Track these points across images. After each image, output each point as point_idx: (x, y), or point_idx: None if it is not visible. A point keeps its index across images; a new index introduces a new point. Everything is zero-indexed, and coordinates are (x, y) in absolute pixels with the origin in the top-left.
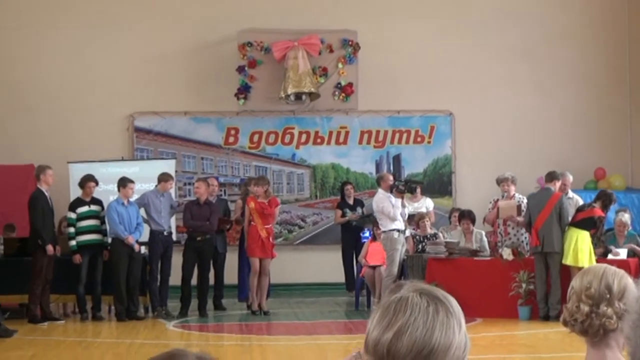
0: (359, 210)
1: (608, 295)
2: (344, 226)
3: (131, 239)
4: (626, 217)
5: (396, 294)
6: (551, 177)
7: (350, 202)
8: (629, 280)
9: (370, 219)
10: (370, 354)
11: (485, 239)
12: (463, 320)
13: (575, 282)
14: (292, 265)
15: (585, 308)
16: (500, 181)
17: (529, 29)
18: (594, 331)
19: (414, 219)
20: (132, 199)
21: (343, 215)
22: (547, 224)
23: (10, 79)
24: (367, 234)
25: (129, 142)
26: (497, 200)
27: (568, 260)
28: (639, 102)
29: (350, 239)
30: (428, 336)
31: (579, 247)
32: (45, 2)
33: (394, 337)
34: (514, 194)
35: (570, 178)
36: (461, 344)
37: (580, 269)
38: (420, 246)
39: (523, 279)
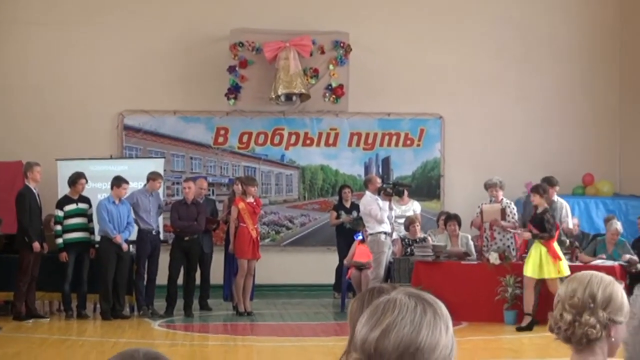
0: (354, 213)
1: (592, 304)
2: (338, 229)
3: (119, 238)
4: (619, 225)
5: (384, 295)
6: (534, 190)
7: (347, 205)
8: (615, 289)
9: (362, 222)
10: (358, 352)
11: (471, 242)
12: (450, 324)
13: (561, 290)
14: (279, 266)
15: (568, 317)
16: (488, 186)
17: (520, 33)
18: (577, 339)
19: (404, 223)
20: (124, 198)
21: (338, 217)
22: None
23: None
24: (360, 236)
25: (118, 140)
26: (483, 204)
27: (528, 272)
28: (628, 108)
29: (344, 241)
30: (415, 335)
31: (543, 260)
32: None
33: (381, 335)
34: (502, 199)
35: None
36: (448, 345)
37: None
38: (409, 249)
39: (509, 284)
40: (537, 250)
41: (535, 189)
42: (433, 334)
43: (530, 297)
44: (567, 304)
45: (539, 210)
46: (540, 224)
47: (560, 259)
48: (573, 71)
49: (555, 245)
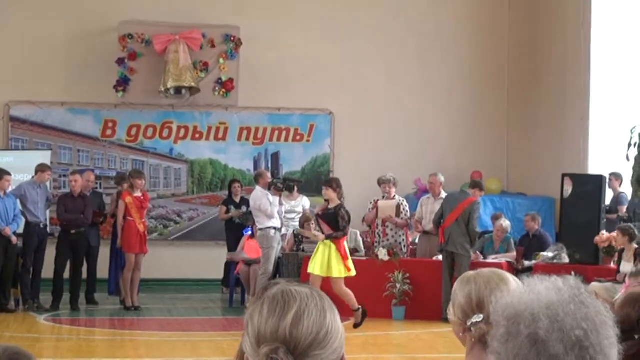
0: (243, 208)
1: (474, 306)
2: (228, 223)
3: (8, 230)
4: (507, 223)
5: (274, 288)
6: (475, 185)
7: (237, 200)
8: (497, 290)
9: (252, 217)
10: (268, 343)
11: (360, 238)
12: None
13: (453, 291)
14: (167, 260)
15: (455, 319)
16: (381, 182)
17: (411, 29)
18: (469, 339)
19: (300, 220)
20: (8, 191)
21: (227, 212)
22: (455, 225)
23: None
24: (249, 231)
25: (4, 131)
26: (377, 200)
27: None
28: (516, 108)
29: (233, 236)
30: (322, 319)
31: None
32: None
33: (294, 321)
34: (394, 196)
35: (442, 179)
36: (343, 330)
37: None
38: (301, 247)
39: (398, 280)
40: (325, 248)
41: (328, 183)
42: (335, 318)
43: (347, 293)
44: (456, 305)
45: (331, 205)
46: (334, 221)
47: (348, 258)
48: (463, 70)
49: (345, 243)
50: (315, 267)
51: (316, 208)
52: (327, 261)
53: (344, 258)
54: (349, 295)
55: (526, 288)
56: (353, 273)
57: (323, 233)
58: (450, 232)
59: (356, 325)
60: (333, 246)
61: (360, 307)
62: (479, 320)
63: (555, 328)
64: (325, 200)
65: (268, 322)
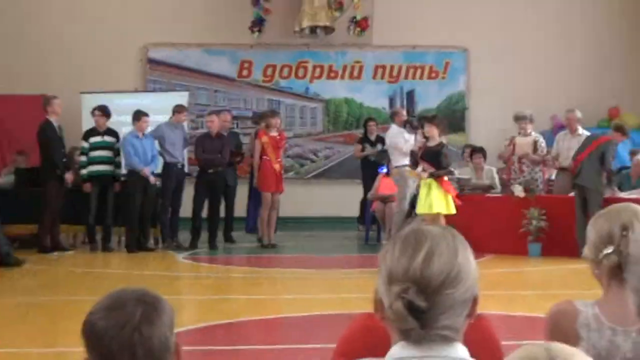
0: (379, 146)
1: (605, 240)
2: (363, 162)
3: (147, 171)
4: None
5: (407, 228)
6: (617, 128)
7: (372, 138)
8: (628, 223)
9: (387, 155)
10: (400, 282)
11: (496, 175)
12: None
13: (631, 222)
14: (303, 198)
15: (590, 256)
16: (518, 119)
17: None
18: (603, 274)
19: None
20: (147, 132)
21: (363, 150)
22: (587, 160)
23: (19, 13)
24: (385, 169)
25: (142, 73)
26: (514, 137)
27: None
28: None
29: (368, 174)
30: (454, 257)
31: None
32: None
33: (425, 261)
34: (531, 132)
35: (579, 114)
36: (476, 269)
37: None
38: None
39: (534, 216)
40: (425, 186)
41: (431, 120)
42: (466, 256)
43: None
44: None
45: (432, 143)
46: (436, 159)
47: (451, 195)
48: (602, 3)
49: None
50: (420, 206)
51: (415, 146)
52: (430, 198)
53: (448, 194)
54: None
55: None
56: (453, 211)
57: (425, 171)
58: (582, 166)
59: None
60: (434, 183)
61: None
62: (609, 251)
63: None
64: (425, 138)
65: (399, 262)
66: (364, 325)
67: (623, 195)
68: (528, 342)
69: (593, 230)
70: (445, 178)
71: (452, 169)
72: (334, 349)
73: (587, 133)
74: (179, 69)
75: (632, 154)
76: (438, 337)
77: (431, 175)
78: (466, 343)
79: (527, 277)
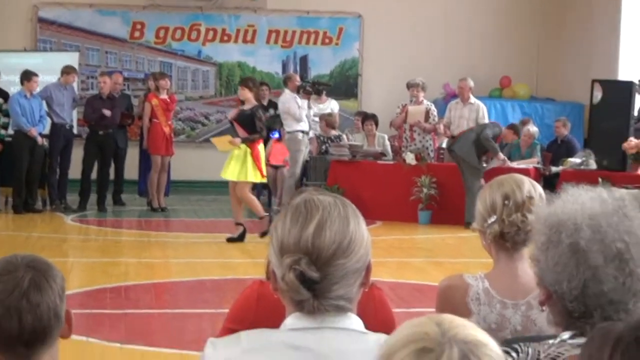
0: (271, 111)
1: (489, 209)
2: None
3: (34, 131)
4: (535, 129)
5: (298, 198)
6: (511, 126)
7: (265, 103)
8: (510, 192)
9: (279, 120)
10: (292, 253)
11: (387, 142)
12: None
13: (512, 192)
14: (194, 162)
15: (533, 217)
16: (410, 86)
17: None
18: (521, 242)
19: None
20: (35, 92)
21: None
22: (468, 131)
23: None
24: (276, 134)
25: (32, 33)
26: (406, 105)
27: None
28: (547, 14)
29: None
30: (345, 226)
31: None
32: None
33: (316, 231)
34: (422, 100)
35: (471, 83)
36: (369, 236)
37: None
38: (324, 147)
39: (425, 184)
40: (240, 153)
41: (244, 82)
42: (359, 225)
43: (252, 199)
44: (528, 204)
45: (247, 106)
46: (250, 123)
47: (261, 163)
48: None
49: (260, 147)
50: (228, 172)
51: (230, 112)
52: (242, 166)
53: (258, 162)
54: (254, 202)
55: (570, 197)
56: (264, 179)
57: (238, 137)
58: (461, 135)
59: (231, 240)
60: (248, 150)
61: (268, 214)
62: (492, 221)
63: (597, 239)
64: (241, 102)
65: (291, 233)
66: (257, 292)
67: (513, 165)
68: (418, 312)
69: (479, 200)
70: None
71: (264, 134)
72: (226, 316)
73: (479, 102)
74: (70, 29)
75: (522, 123)
76: (332, 308)
77: (244, 141)
78: (359, 312)
79: (417, 244)
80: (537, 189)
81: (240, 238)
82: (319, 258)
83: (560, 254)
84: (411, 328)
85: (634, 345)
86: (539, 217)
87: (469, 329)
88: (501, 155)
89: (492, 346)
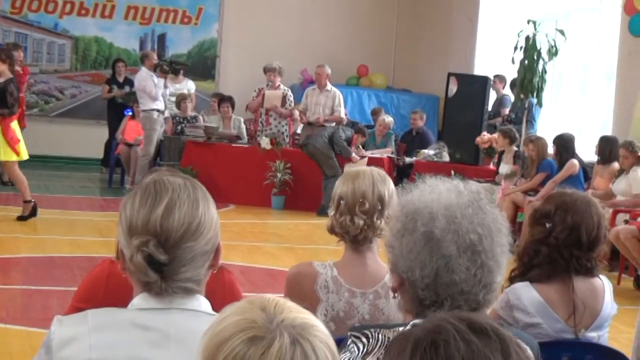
0: (126, 88)
1: (380, 207)
2: (110, 103)
3: None
4: (390, 119)
5: (148, 178)
6: (358, 130)
7: (120, 79)
8: (392, 186)
9: (135, 97)
10: (139, 234)
11: (243, 125)
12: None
13: (346, 193)
14: (47, 137)
15: (360, 222)
16: (267, 70)
17: None
18: (363, 240)
19: (176, 100)
20: None
21: (110, 91)
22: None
23: None
24: (130, 112)
25: None
26: (262, 89)
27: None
28: (406, 4)
29: (114, 115)
30: (195, 209)
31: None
32: None
33: (165, 213)
34: (279, 85)
35: (328, 70)
36: (218, 219)
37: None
38: (179, 127)
39: (279, 169)
40: None
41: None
42: (208, 208)
43: (21, 180)
44: (358, 210)
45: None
46: (1, 98)
47: (18, 141)
48: None
49: (15, 125)
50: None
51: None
52: None
53: (12, 141)
54: (23, 183)
55: (428, 187)
56: (24, 157)
57: None
58: (314, 134)
59: (21, 218)
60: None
61: (32, 200)
62: (331, 214)
63: (451, 229)
64: None
65: (139, 213)
66: (107, 271)
67: (367, 154)
68: (249, 296)
69: (334, 191)
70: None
71: (15, 110)
72: (75, 294)
73: (335, 89)
74: None
75: (374, 113)
76: (180, 289)
77: None
78: (208, 295)
79: (269, 229)
80: (381, 188)
81: (33, 214)
82: (167, 240)
83: (414, 241)
84: (236, 316)
85: (431, 348)
86: (396, 205)
87: (295, 312)
88: (355, 157)
89: (320, 326)
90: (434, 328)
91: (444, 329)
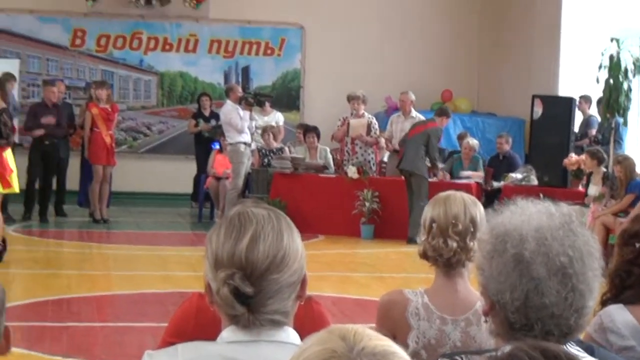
0: (212, 122)
1: (472, 229)
2: (196, 137)
3: None
4: (474, 141)
5: (233, 210)
6: (441, 112)
7: (206, 113)
8: (482, 209)
9: (221, 131)
10: (226, 267)
11: (330, 155)
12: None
13: (438, 216)
14: (136, 173)
15: (453, 245)
16: (351, 98)
17: None
18: (455, 263)
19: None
20: None
21: (196, 125)
22: (412, 144)
23: None
24: (217, 145)
25: None
26: (347, 117)
27: None
28: (489, 28)
29: (201, 150)
30: (279, 240)
31: None
32: None
33: (250, 245)
34: (363, 113)
35: (412, 97)
36: (303, 250)
37: None
38: (266, 160)
39: (367, 198)
40: None
41: None
42: (293, 238)
43: None
44: (451, 231)
45: None
46: None
47: (11, 171)
48: None
49: (8, 154)
50: None
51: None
52: None
53: (6, 171)
54: None
55: (518, 209)
56: (15, 189)
57: None
58: (406, 150)
59: None
60: None
61: (3, 244)
62: (423, 239)
63: (541, 251)
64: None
65: (224, 246)
66: (196, 305)
67: (455, 180)
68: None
69: (423, 217)
70: None
71: (11, 141)
72: (166, 329)
73: (420, 116)
74: (9, 35)
75: (460, 138)
76: (267, 322)
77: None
78: (297, 326)
79: (359, 259)
80: (473, 210)
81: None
82: (252, 273)
83: (504, 263)
84: (317, 346)
85: None
86: (486, 227)
87: (374, 339)
88: (440, 173)
89: (400, 353)
90: (508, 357)
91: (518, 358)
